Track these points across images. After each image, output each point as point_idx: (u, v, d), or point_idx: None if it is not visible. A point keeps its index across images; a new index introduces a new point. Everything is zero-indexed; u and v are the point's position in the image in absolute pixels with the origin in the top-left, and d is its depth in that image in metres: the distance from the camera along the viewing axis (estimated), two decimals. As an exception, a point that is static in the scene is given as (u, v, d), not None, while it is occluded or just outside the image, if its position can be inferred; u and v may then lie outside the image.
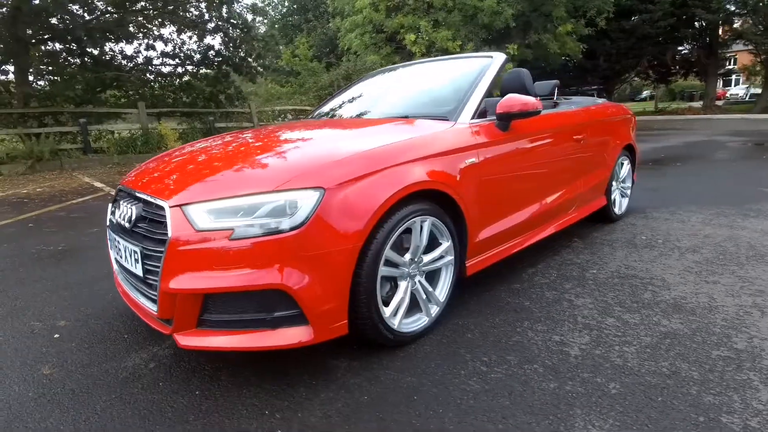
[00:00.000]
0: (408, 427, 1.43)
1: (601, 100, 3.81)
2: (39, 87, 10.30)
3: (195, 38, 12.24)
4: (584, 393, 1.56)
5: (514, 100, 2.26)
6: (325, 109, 3.21)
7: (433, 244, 1.98)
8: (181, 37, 12.32)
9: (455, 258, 2.07)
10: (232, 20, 12.20)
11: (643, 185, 5.11)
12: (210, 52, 12.82)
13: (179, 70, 12.82)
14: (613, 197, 3.60)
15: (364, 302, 1.68)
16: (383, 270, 1.73)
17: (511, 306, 2.25)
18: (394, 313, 1.82)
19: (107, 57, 11.37)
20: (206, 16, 12.03)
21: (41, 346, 2.06)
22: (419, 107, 2.55)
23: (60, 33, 9.73)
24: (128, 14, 10.83)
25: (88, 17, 10.12)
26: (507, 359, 1.78)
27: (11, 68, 9.59)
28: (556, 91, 3.87)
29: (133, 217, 1.75)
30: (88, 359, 1.93)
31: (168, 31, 12.14)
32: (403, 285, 1.87)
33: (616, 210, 3.67)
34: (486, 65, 2.55)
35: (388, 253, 1.73)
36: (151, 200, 1.70)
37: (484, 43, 13.79)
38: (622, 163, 3.71)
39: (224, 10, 12.01)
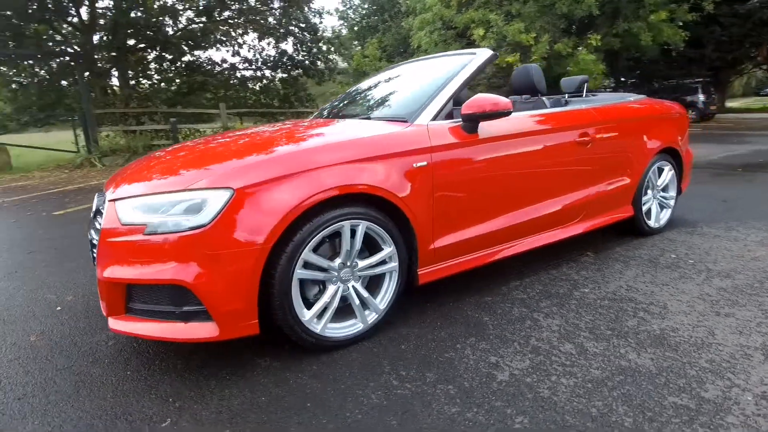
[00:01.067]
0: (284, 433, 1.42)
1: (637, 97, 3.37)
2: (139, 90, 11.75)
3: (273, 43, 13.08)
4: (483, 423, 1.42)
5: (481, 100, 2.10)
6: (323, 110, 3.25)
7: (377, 249, 1.93)
8: (261, 43, 13.27)
9: (401, 265, 1.99)
10: (301, 25, 12.82)
11: (714, 194, 4.44)
12: (284, 57, 13.58)
13: (257, 74, 13.80)
14: (646, 208, 3.18)
15: (278, 304, 1.69)
16: (303, 273, 1.73)
17: (467, 320, 2.11)
18: (318, 317, 1.81)
19: (196, 63, 12.61)
20: (282, 22, 12.74)
21: (43, 316, 2.38)
22: (385, 109, 2.48)
23: (153, 42, 10.98)
24: (216, 24, 11.87)
25: (176, 29, 11.30)
26: (425, 375, 1.68)
27: (115, 73, 11.08)
28: (585, 88, 3.54)
29: (94, 209, 1.94)
30: (69, 332, 2.19)
31: (250, 37, 13.12)
32: (331, 289, 1.84)
33: (651, 222, 3.23)
34: (463, 64, 2.39)
35: (308, 255, 1.72)
36: (104, 194, 1.88)
37: (564, 34, 12.89)
38: (661, 169, 3.25)
39: (296, 15, 12.64)
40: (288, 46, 13.51)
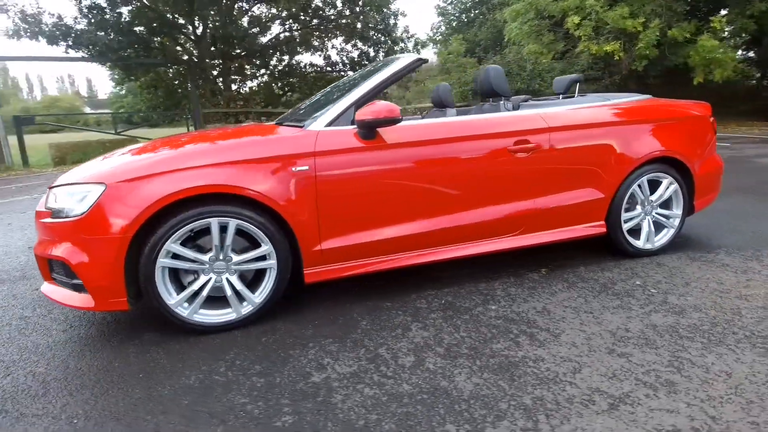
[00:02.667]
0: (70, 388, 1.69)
1: (637, 98, 2.95)
2: (240, 92, 13.30)
3: (356, 45, 13.65)
4: (254, 415, 1.51)
5: (376, 107, 2.11)
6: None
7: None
8: (346, 46, 13.97)
9: (280, 263, 2.12)
10: (379, 27, 13.11)
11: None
12: (364, 59, 14.07)
13: (342, 75, 14.53)
14: (629, 225, 2.78)
15: (143, 288, 1.96)
16: (168, 262, 1.97)
17: (346, 322, 2.16)
18: (188, 302, 2.04)
19: (288, 67, 13.80)
20: (358, 26, 13.21)
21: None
22: (300, 114, 2.58)
23: (249, 51, 12.33)
24: (309, 30, 12.84)
25: (270, 38, 12.51)
26: (253, 367, 1.80)
27: (220, 78, 12.69)
28: (576, 88, 3.23)
29: None
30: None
31: (338, 41, 13.90)
32: (202, 279, 2.06)
33: (639, 243, 2.82)
34: (378, 68, 2.38)
35: (173, 247, 1.96)
36: None
37: (684, 17, 11.19)
38: (657, 182, 2.81)
39: (369, 20, 13.00)
40: (368, 47, 13.99)
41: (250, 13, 12.67)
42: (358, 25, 13.14)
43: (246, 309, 2.12)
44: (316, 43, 13.43)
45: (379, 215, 2.27)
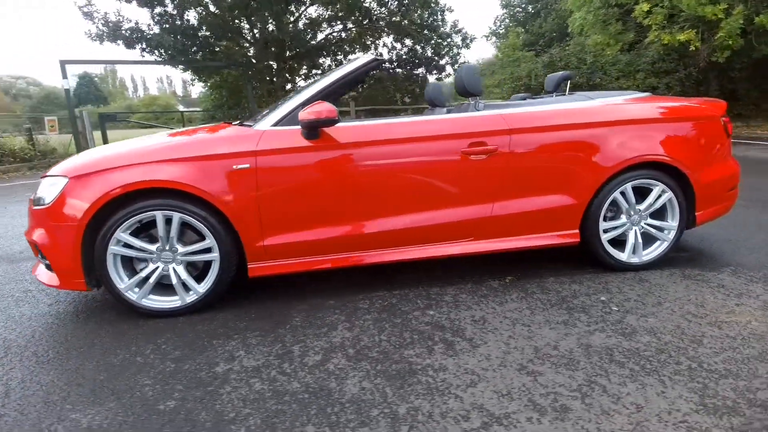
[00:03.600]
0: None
1: (633, 95, 2.68)
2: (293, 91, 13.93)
3: (406, 43, 13.63)
4: (112, 390, 1.63)
5: (317, 107, 2.14)
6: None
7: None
8: (396, 44, 13.97)
9: (223, 257, 2.23)
10: (425, 23, 12.90)
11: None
12: (414, 57, 13.97)
13: (391, 73, 14.58)
14: (611, 236, 2.56)
15: (98, 272, 2.17)
16: (118, 249, 2.14)
17: (283, 317, 2.21)
18: (137, 287, 2.22)
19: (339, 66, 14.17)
20: (415, 21, 13.09)
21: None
22: (258, 115, 2.65)
23: (301, 51, 12.79)
24: (362, 30, 13.02)
25: (320, 39, 12.85)
26: (166, 351, 1.93)
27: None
28: (567, 86, 3.03)
29: None
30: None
31: (389, 39, 13.94)
32: (150, 267, 2.23)
33: (623, 255, 2.58)
34: (333, 71, 2.40)
35: (122, 236, 2.14)
36: None
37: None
38: (647, 189, 2.54)
39: (420, 14, 12.84)
40: (416, 45, 13.86)
41: (304, 15, 13.17)
42: (404, 22, 13.08)
43: (191, 297, 2.26)
44: (367, 42, 13.58)
45: (323, 215, 2.29)
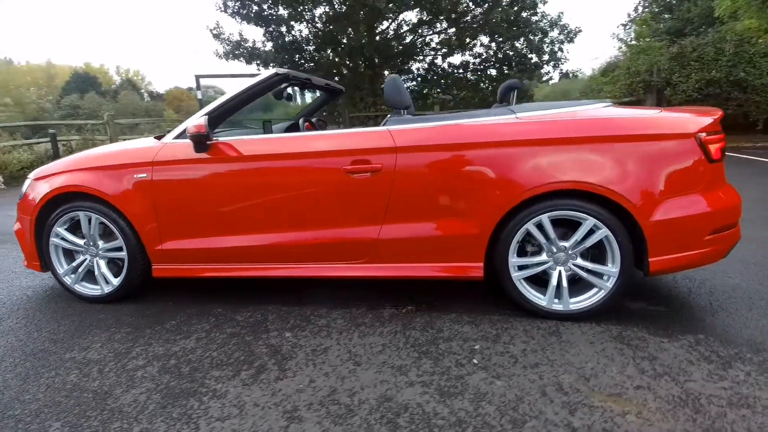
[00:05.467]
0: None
1: (583, 106, 2.19)
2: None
3: (500, 41, 12.76)
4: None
5: (197, 122, 2.25)
6: None
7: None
8: (491, 44, 13.12)
9: (130, 255, 2.49)
10: (512, 19, 11.75)
11: None
12: (511, 53, 12.93)
13: (485, 74, 13.77)
14: (525, 274, 2.15)
15: (46, 257, 2.62)
16: (56, 241, 2.56)
17: (153, 316, 2.38)
18: (72, 274, 2.61)
19: (432, 69, 13.96)
20: (508, 18, 12.12)
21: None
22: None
23: (387, 60, 12.93)
24: (460, 30, 12.60)
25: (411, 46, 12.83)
26: (62, 338, 2.24)
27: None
28: (513, 96, 2.64)
29: None
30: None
31: (485, 39, 13.15)
32: (80, 258, 2.60)
33: (542, 301, 2.15)
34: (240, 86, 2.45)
35: (59, 230, 2.53)
36: None
37: None
38: (576, 223, 2.07)
39: (507, 10, 11.78)
40: (513, 42, 12.76)
41: (399, 21, 13.37)
42: (494, 19, 12.23)
43: (108, 288, 2.57)
44: (466, 41, 13.06)
45: (212, 225, 2.39)
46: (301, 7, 11.51)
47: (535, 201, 2.07)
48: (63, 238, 2.57)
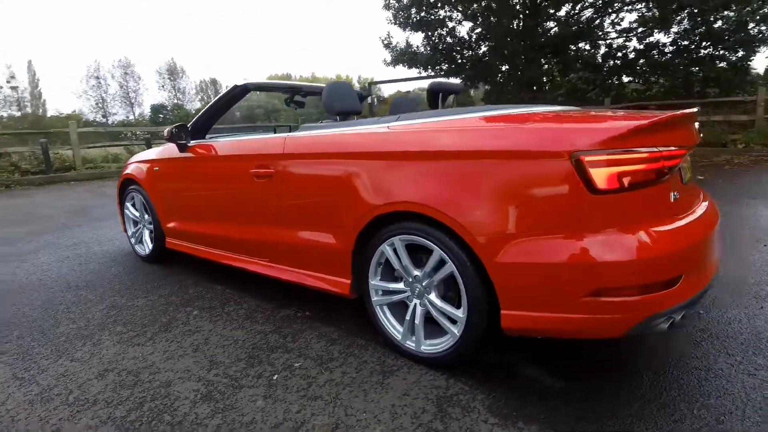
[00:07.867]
0: None
1: (469, 114, 1.79)
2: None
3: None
4: None
5: (168, 129, 2.81)
6: None
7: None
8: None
9: (155, 229, 3.26)
10: None
11: None
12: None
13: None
14: (389, 300, 1.92)
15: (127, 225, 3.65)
16: (127, 213, 3.55)
17: (128, 290, 3.03)
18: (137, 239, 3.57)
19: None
20: None
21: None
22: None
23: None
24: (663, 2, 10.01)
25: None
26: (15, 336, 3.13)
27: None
28: (452, 101, 2.35)
29: None
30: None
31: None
32: (138, 227, 3.52)
33: (398, 335, 1.89)
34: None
35: (128, 204, 3.51)
36: None
37: None
38: (424, 250, 1.74)
39: None
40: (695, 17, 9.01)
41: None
42: None
43: (147, 251, 3.42)
44: (671, 15, 10.10)
45: (196, 213, 2.89)
46: (461, 6, 11.43)
47: (387, 221, 1.82)
48: (130, 211, 3.53)
